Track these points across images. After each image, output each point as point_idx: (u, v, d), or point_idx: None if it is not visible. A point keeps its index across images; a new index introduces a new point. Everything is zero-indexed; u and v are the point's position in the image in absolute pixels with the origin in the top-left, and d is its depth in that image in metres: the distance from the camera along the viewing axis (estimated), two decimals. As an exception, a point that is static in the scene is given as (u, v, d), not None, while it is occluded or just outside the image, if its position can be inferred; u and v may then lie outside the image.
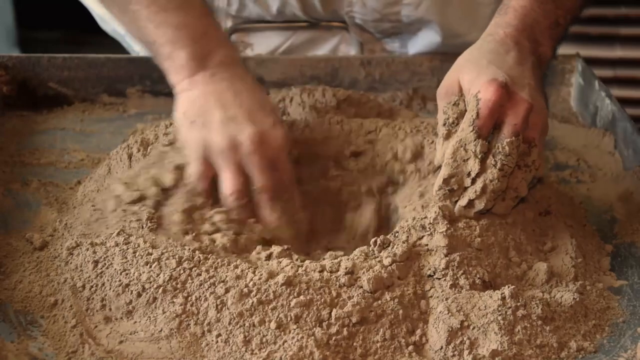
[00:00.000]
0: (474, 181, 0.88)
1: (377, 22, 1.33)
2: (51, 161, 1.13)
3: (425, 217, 0.86)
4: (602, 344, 0.80)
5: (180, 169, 0.94)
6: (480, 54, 0.95)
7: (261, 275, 0.79)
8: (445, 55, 1.29)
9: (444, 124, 0.92)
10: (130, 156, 1.02)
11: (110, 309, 0.81)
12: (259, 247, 0.87)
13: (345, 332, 0.77)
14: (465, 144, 0.88)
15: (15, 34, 3.01)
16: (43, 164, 1.12)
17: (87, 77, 1.28)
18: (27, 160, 1.12)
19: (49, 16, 3.10)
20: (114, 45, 1.55)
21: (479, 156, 0.87)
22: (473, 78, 0.91)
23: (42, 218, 0.98)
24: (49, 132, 1.19)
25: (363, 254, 0.83)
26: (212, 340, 0.77)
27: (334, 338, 0.76)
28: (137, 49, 1.42)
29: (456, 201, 0.89)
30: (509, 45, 0.95)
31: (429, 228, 0.85)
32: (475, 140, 0.87)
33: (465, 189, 0.88)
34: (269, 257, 0.85)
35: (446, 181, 0.89)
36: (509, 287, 0.80)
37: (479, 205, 0.88)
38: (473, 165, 0.87)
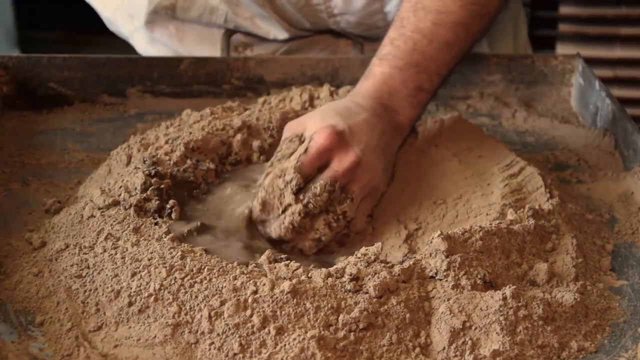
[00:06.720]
0: (284, 211, 0.91)
1: (366, 31, 1.33)
2: (51, 161, 1.12)
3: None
4: (603, 344, 0.80)
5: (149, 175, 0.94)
6: (332, 108, 0.99)
7: (264, 284, 0.78)
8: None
9: (275, 156, 0.96)
10: (130, 156, 1.02)
11: (104, 314, 0.81)
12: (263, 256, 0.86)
13: (352, 337, 0.76)
14: (284, 175, 0.91)
15: (15, 34, 3.01)
16: (43, 164, 1.12)
17: (87, 77, 1.28)
18: (27, 160, 1.12)
19: (49, 16, 3.11)
20: (114, 45, 1.55)
21: (293, 189, 0.91)
22: (317, 122, 0.95)
23: (42, 218, 0.98)
24: (49, 132, 1.19)
25: (365, 260, 0.83)
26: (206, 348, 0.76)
27: (341, 343, 0.75)
28: (140, 49, 1.42)
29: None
30: (362, 109, 0.99)
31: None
32: (293, 174, 0.91)
33: (277, 216, 0.92)
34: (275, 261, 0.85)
35: (262, 205, 0.92)
36: (510, 287, 0.80)
37: (278, 232, 0.92)
38: (287, 197, 0.91)
